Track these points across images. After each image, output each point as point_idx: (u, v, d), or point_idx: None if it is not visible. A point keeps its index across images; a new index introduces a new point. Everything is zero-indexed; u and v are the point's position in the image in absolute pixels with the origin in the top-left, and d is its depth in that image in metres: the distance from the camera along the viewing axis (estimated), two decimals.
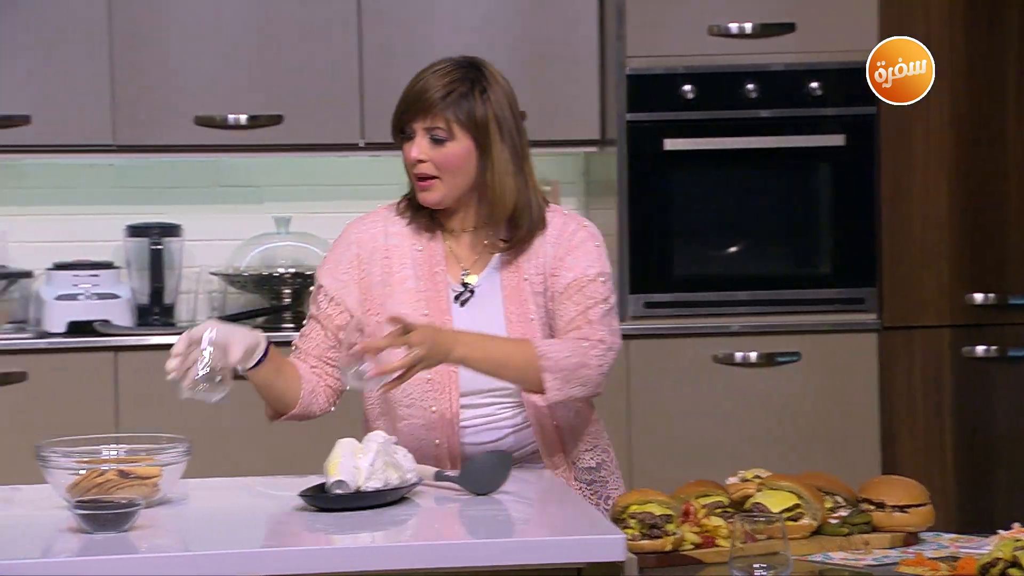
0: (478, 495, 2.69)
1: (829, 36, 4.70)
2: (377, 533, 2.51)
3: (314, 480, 2.67)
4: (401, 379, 2.76)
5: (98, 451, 2.67)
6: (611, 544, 2.37)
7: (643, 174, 4.73)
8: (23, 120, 4.60)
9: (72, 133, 4.65)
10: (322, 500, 2.59)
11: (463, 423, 2.91)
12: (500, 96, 2.95)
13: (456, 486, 2.72)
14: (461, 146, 2.91)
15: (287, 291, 4.82)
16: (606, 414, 4.66)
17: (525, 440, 2.94)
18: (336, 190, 5.08)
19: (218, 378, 2.66)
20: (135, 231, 4.81)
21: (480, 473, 2.70)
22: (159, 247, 4.78)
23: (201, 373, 2.65)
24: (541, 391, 2.85)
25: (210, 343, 2.67)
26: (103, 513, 2.39)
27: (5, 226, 4.93)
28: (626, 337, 4.65)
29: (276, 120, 4.73)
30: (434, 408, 2.90)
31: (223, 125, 4.70)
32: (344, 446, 2.64)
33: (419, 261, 2.97)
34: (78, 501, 2.42)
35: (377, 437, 2.67)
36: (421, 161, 2.91)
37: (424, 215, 2.99)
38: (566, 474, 2.95)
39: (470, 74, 2.93)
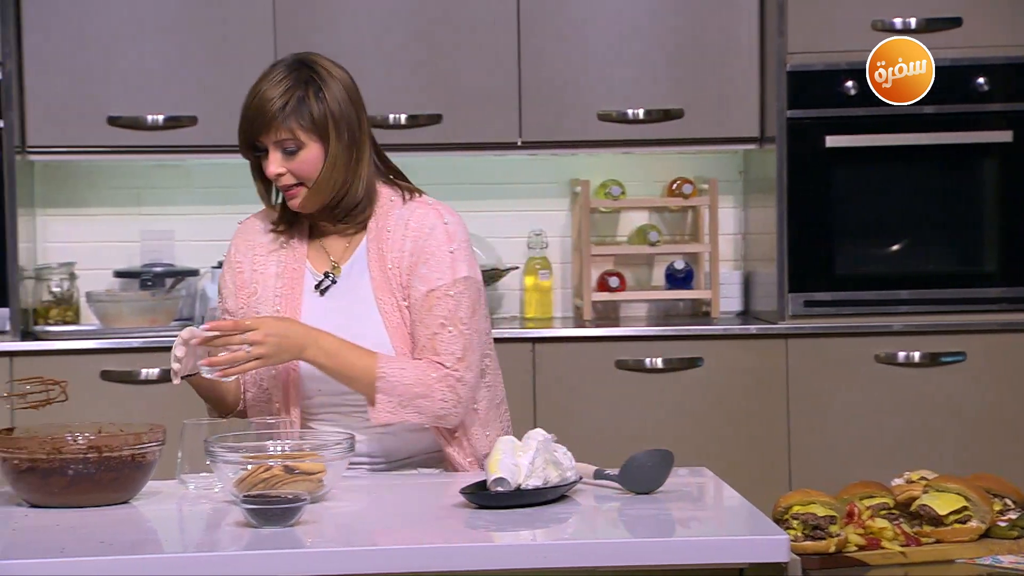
0: (638, 494, 2.68)
1: (996, 30, 4.61)
2: (537, 531, 2.51)
3: (475, 477, 2.68)
4: (235, 371, 2.80)
5: (264, 447, 2.71)
6: (775, 545, 2.35)
7: (803, 172, 4.68)
8: (190, 121, 4.70)
9: (234, 133, 4.71)
10: (483, 497, 2.59)
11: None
12: (337, 90, 2.93)
13: (616, 485, 2.71)
14: (312, 151, 2.92)
15: None
16: (764, 414, 4.68)
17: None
18: (494, 189, 5.11)
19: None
20: None
21: (641, 472, 2.69)
22: None
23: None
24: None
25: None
26: (270, 508, 2.42)
27: (172, 225, 5.03)
28: (786, 336, 4.67)
29: (435, 119, 4.76)
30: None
31: (383, 125, 4.74)
32: (505, 444, 2.65)
33: (282, 257, 3.02)
34: (245, 496, 2.46)
35: (537, 435, 2.67)
36: (280, 174, 2.92)
37: (289, 214, 3.02)
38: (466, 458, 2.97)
39: (303, 75, 2.92)
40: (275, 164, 2.92)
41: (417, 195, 3.03)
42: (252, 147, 2.96)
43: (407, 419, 2.90)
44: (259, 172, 2.99)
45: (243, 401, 3.02)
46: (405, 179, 3.07)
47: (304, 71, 2.93)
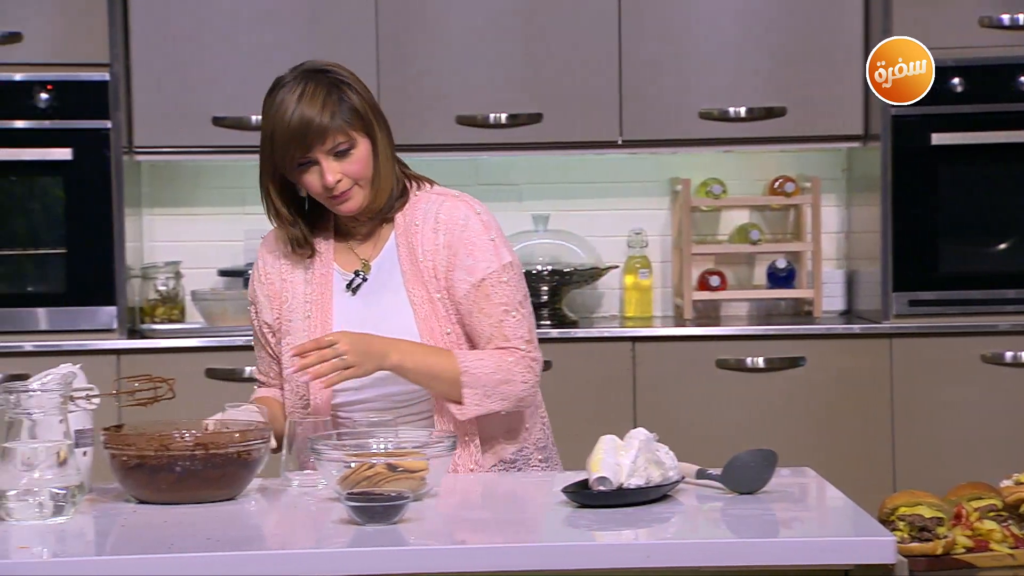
0: (741, 494, 2.67)
1: None
2: (640, 530, 2.50)
3: (576, 476, 2.68)
4: (333, 380, 2.81)
5: (368, 444, 2.72)
6: (881, 546, 2.32)
7: (908, 169, 4.64)
8: None
9: None
10: (584, 497, 2.59)
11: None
12: (356, 82, 2.94)
13: (719, 484, 2.70)
14: (363, 146, 2.91)
15: (544, 288, 4.86)
16: (868, 414, 4.63)
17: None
18: (594, 187, 5.11)
19: None
20: None
21: (744, 471, 2.67)
22: None
23: None
24: (460, 403, 2.88)
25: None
26: (374, 505, 2.44)
27: None
28: (890, 336, 4.63)
29: (536, 119, 4.77)
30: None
31: (484, 124, 4.76)
32: (606, 443, 2.64)
33: (309, 263, 3.01)
34: (349, 493, 2.48)
35: (639, 434, 2.66)
36: (338, 180, 2.89)
37: (314, 223, 3.00)
38: (482, 460, 2.95)
39: (324, 80, 2.90)
40: (331, 172, 2.89)
41: (428, 184, 3.04)
42: (297, 166, 2.91)
43: (492, 409, 2.90)
44: (281, 196, 2.96)
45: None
46: (409, 169, 3.06)
47: (322, 76, 2.91)
